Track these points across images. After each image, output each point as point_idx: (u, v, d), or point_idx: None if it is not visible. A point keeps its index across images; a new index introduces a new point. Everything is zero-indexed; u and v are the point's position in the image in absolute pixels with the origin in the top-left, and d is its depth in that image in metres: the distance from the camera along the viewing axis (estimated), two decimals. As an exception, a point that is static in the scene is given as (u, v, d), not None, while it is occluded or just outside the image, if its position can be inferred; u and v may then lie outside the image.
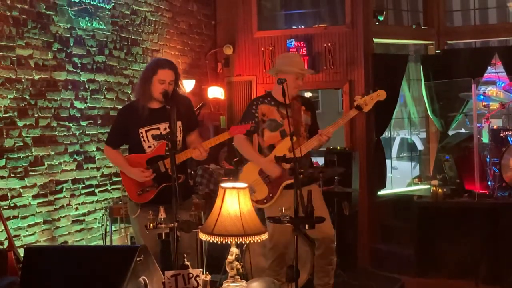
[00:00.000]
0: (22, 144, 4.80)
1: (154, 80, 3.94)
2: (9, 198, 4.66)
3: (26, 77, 4.84)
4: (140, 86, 4.04)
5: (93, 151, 5.57)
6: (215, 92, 7.48)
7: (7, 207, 4.61)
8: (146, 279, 2.91)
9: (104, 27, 5.75)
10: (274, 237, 4.29)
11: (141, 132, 3.99)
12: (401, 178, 8.61)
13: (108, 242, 5.43)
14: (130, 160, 4.03)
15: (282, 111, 4.26)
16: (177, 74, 4.03)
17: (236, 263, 2.90)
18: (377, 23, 7.38)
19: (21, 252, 4.13)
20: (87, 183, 5.51)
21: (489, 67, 7.47)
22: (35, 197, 4.91)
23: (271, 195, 4.31)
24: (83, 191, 5.45)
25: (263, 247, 4.57)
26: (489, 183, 6.17)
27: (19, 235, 4.73)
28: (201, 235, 2.87)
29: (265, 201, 4.33)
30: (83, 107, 5.47)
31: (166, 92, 3.92)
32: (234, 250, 2.90)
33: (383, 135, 7.43)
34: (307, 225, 3.33)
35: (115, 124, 4.24)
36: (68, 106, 5.30)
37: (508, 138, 6.21)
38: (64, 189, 5.22)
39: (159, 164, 3.94)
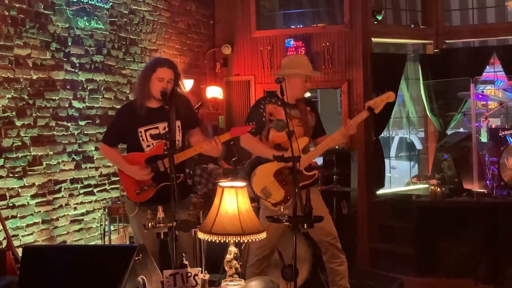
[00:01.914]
0: (20, 143, 4.79)
1: (153, 78, 3.94)
2: (8, 198, 4.66)
3: (24, 76, 4.83)
4: (139, 84, 4.04)
5: (92, 150, 5.57)
6: (214, 92, 7.47)
7: (5, 206, 4.61)
8: (144, 278, 2.90)
9: (102, 27, 5.74)
10: (266, 236, 4.21)
11: (140, 132, 3.98)
12: (399, 178, 8.61)
13: (107, 242, 5.42)
14: (129, 159, 4.02)
15: (288, 111, 4.25)
16: (176, 73, 4.02)
17: (235, 262, 2.89)
18: (376, 23, 7.38)
19: (19, 251, 4.12)
20: (86, 182, 5.50)
21: (487, 67, 7.48)
22: (33, 196, 4.90)
23: (288, 197, 4.17)
24: (81, 191, 5.45)
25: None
26: (487, 182, 6.17)
27: (17, 235, 4.72)
28: (199, 234, 2.86)
29: (283, 203, 4.15)
30: (81, 107, 5.47)
31: (165, 91, 3.91)
32: (232, 249, 2.90)
33: (382, 135, 7.43)
34: (305, 225, 3.31)
35: (113, 123, 4.23)
36: (67, 105, 5.30)
37: (507, 137, 6.21)
38: (63, 189, 5.22)
39: (158, 164, 3.93)
